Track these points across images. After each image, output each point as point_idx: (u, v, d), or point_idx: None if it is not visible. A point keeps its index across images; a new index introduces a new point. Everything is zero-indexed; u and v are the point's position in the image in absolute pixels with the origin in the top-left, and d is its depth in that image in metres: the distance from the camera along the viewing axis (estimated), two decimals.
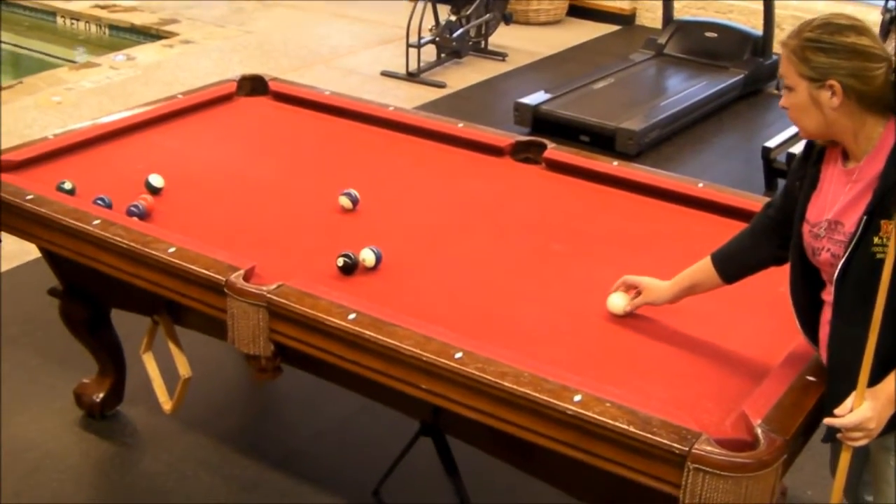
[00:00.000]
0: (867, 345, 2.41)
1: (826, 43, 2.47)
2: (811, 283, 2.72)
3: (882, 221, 2.45)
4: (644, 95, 8.23)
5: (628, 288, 3.13)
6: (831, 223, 2.59)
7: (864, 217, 2.48)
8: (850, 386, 2.46)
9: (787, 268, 2.84)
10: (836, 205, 2.59)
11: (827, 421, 2.52)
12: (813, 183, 2.68)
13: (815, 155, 2.70)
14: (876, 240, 2.46)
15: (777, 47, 9.29)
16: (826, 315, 2.66)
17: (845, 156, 2.61)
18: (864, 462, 2.85)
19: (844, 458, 2.54)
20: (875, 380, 2.46)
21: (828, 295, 2.66)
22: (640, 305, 3.10)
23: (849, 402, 2.47)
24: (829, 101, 2.50)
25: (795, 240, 2.71)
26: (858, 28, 2.50)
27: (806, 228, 2.67)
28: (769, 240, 2.89)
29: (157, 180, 3.82)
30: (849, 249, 2.52)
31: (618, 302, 3.11)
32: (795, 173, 2.78)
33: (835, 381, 2.58)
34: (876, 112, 2.51)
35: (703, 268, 3.01)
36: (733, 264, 2.97)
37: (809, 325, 2.75)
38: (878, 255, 2.45)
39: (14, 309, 5.09)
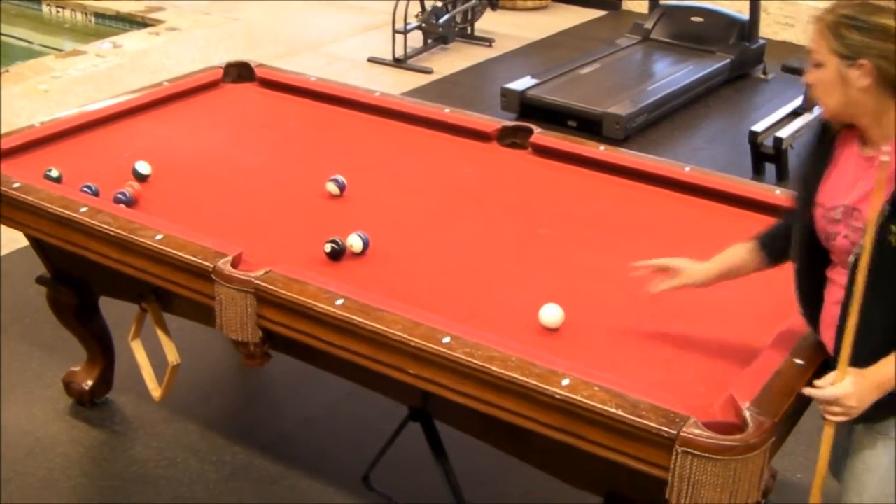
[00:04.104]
0: (848, 321, 2.42)
1: (862, 21, 2.43)
2: (817, 263, 2.69)
3: None
4: (631, 80, 8.23)
5: (661, 271, 3.03)
6: (848, 209, 2.55)
7: (887, 206, 2.43)
8: (857, 367, 2.48)
9: None
10: (853, 191, 2.55)
11: (805, 390, 2.53)
12: (825, 164, 2.64)
13: (829, 137, 2.66)
14: (894, 228, 2.43)
15: (763, 31, 9.24)
16: (833, 295, 2.63)
17: (862, 140, 2.57)
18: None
19: (827, 435, 2.54)
20: (875, 361, 2.47)
21: (836, 275, 2.63)
22: (675, 287, 2.99)
23: (832, 375, 2.48)
24: (857, 81, 2.45)
25: (805, 222, 2.67)
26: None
27: (819, 212, 2.62)
28: None
29: (143, 167, 3.82)
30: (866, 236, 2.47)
31: (553, 315, 2.99)
32: (810, 157, 2.71)
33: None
34: None
35: (746, 250, 2.92)
36: (780, 245, 2.84)
37: (811, 304, 2.74)
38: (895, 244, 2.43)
39: (2, 297, 5.08)
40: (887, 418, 2.60)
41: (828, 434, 2.55)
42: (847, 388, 2.45)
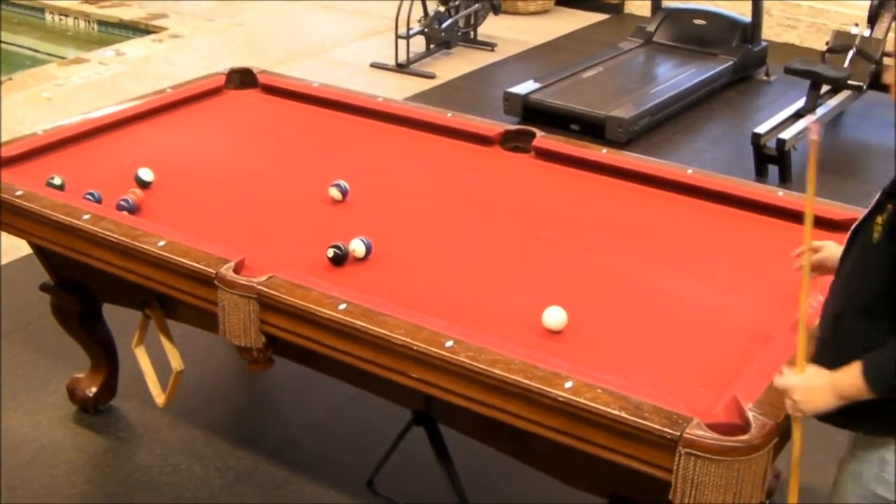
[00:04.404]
0: (800, 318, 2.42)
1: None
2: None
3: (889, 206, 2.37)
4: (633, 83, 8.23)
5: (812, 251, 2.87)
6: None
7: (880, 195, 2.40)
8: (825, 355, 2.46)
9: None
10: None
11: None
12: None
13: None
14: (879, 219, 2.38)
15: (766, 34, 9.18)
16: None
17: None
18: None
19: (796, 431, 2.54)
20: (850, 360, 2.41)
21: None
22: (817, 261, 2.83)
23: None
24: None
25: None
26: None
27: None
28: None
29: (146, 174, 3.82)
30: (858, 222, 2.46)
31: (556, 317, 2.98)
32: None
33: (818, 349, 2.56)
34: None
35: None
36: None
37: None
38: (874, 234, 2.38)
39: (6, 304, 5.09)
40: (860, 430, 2.54)
41: (796, 431, 2.54)
42: (793, 380, 2.45)
